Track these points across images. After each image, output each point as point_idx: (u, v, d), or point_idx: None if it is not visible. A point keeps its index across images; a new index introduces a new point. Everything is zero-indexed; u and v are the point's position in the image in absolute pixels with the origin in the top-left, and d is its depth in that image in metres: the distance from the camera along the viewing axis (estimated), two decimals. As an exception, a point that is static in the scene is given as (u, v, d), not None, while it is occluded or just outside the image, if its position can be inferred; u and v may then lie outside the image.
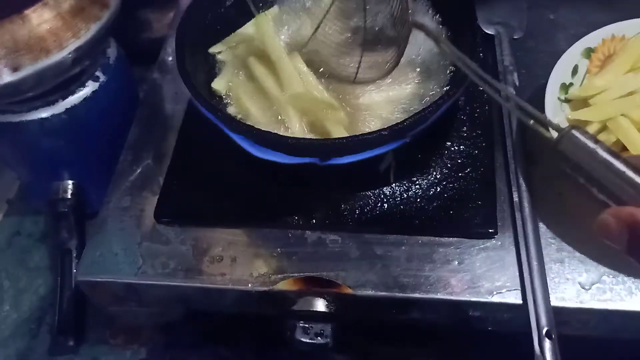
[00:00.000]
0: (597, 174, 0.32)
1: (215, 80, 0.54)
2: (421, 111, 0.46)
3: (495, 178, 0.52)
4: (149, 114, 0.61)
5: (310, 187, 0.52)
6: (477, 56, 0.58)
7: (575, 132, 0.32)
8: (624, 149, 0.48)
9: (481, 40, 0.61)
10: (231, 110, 0.53)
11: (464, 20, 0.53)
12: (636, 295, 0.45)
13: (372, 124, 0.51)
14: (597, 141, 0.32)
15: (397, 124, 0.45)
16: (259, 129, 0.46)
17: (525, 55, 0.61)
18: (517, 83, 0.58)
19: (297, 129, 0.50)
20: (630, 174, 0.31)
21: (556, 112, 0.51)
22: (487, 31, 0.62)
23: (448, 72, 0.53)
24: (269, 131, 0.46)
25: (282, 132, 0.49)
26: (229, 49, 0.57)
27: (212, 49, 0.56)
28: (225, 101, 0.54)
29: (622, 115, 0.49)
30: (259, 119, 0.51)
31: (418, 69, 0.54)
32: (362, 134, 0.47)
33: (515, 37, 0.62)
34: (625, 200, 0.31)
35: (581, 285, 0.46)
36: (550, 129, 0.36)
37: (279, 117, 0.51)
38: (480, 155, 0.53)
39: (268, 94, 0.52)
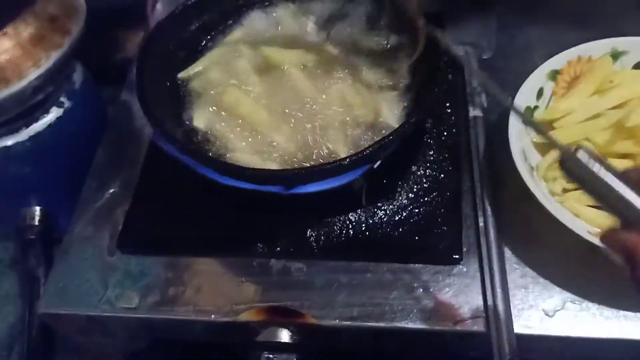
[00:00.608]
0: (603, 194, 0.32)
1: (195, 117, 0.53)
2: (382, 138, 0.46)
3: (461, 203, 0.51)
4: (116, 137, 0.61)
5: (275, 215, 0.51)
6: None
7: (580, 154, 0.32)
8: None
9: (450, 61, 0.61)
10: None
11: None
12: (599, 321, 0.45)
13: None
14: (602, 162, 0.32)
15: (358, 152, 0.45)
16: (218, 159, 0.46)
17: (494, 75, 0.60)
18: (485, 104, 0.58)
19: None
20: (634, 199, 0.30)
21: (521, 135, 0.50)
22: (454, 52, 0.62)
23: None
24: (227, 162, 0.45)
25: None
26: (201, 75, 0.56)
27: (182, 75, 0.56)
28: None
29: (586, 139, 0.49)
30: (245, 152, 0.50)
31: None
32: (322, 164, 0.47)
33: (484, 57, 0.62)
34: (632, 220, 0.31)
35: (545, 312, 0.46)
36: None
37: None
38: (446, 179, 0.53)
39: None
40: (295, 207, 0.52)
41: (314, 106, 0.52)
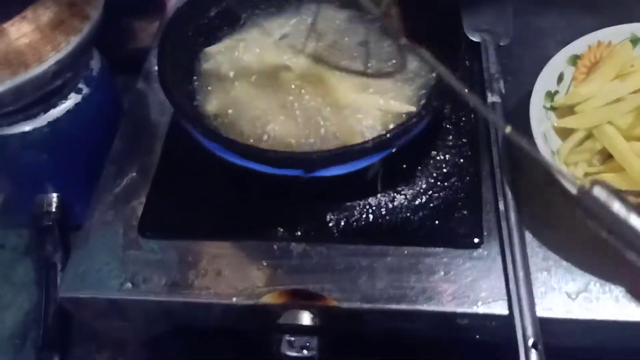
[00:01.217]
0: (622, 233, 0.30)
1: (207, 102, 0.53)
2: (405, 122, 0.46)
3: (481, 187, 0.51)
4: (134, 125, 0.61)
5: (295, 198, 0.51)
6: (462, 67, 0.58)
7: (597, 191, 0.30)
8: (610, 156, 0.48)
9: (466, 49, 0.61)
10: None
11: (449, 28, 0.53)
12: (622, 304, 0.45)
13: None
14: (620, 198, 0.30)
15: (380, 135, 0.45)
16: (238, 141, 0.46)
17: (511, 62, 0.60)
18: (504, 91, 0.57)
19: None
20: None
21: (542, 120, 0.50)
22: (472, 38, 0.62)
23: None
24: (249, 144, 0.45)
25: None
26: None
27: (209, 49, 0.56)
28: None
29: (608, 122, 0.49)
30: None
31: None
32: (344, 146, 0.46)
33: (501, 44, 0.62)
34: None
35: (568, 294, 0.45)
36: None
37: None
38: (465, 164, 0.53)
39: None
40: (316, 191, 0.51)
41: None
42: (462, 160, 0.53)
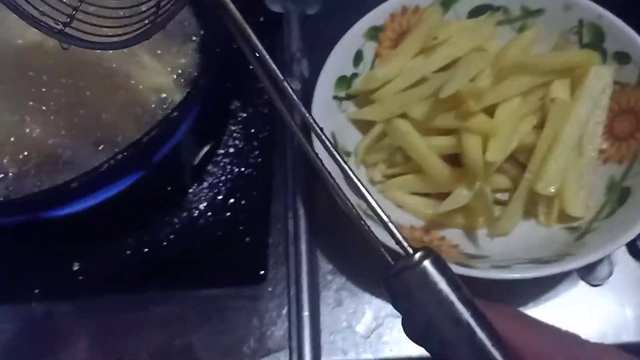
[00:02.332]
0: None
1: None
2: (144, 135, 0.36)
3: (270, 203, 0.42)
4: None
5: (37, 247, 0.41)
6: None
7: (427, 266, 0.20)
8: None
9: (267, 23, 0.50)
10: None
11: None
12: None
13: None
14: (457, 287, 0.20)
15: (118, 152, 0.34)
16: None
17: (320, 36, 0.50)
18: (307, 74, 0.48)
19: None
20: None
21: (331, 114, 0.41)
22: (272, 9, 0.51)
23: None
24: None
25: None
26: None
27: None
28: None
29: (403, 113, 0.40)
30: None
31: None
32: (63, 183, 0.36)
33: (309, 13, 0.51)
34: None
35: (360, 334, 0.38)
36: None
37: None
38: (254, 174, 0.43)
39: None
40: (58, 233, 0.41)
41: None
42: (250, 170, 0.43)
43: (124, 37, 0.28)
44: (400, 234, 0.22)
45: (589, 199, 0.38)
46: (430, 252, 0.21)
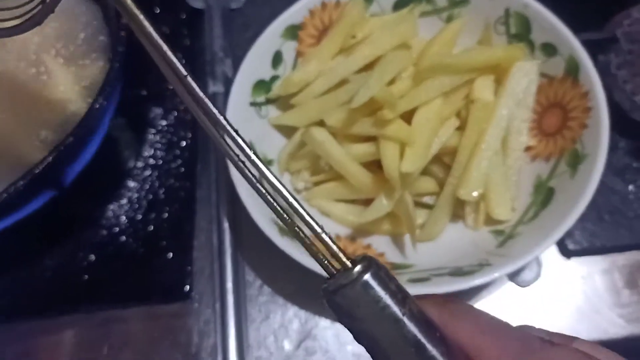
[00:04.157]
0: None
1: None
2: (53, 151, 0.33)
3: (194, 216, 0.41)
4: None
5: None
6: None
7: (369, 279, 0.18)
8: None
9: (188, 21, 0.48)
10: None
11: None
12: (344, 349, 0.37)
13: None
14: (402, 301, 0.18)
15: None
16: None
17: (246, 30, 0.48)
18: (231, 74, 0.45)
19: None
20: None
21: (248, 121, 0.39)
22: (192, 5, 0.48)
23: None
24: None
25: None
26: None
27: None
28: None
29: (320, 121, 0.38)
30: None
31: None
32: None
33: (233, 8, 0.49)
34: None
35: (286, 347, 0.37)
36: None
37: None
38: (176, 186, 0.42)
39: None
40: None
41: None
42: (172, 181, 0.42)
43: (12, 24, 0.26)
44: (335, 244, 0.19)
45: (515, 200, 0.37)
46: (371, 263, 0.18)
